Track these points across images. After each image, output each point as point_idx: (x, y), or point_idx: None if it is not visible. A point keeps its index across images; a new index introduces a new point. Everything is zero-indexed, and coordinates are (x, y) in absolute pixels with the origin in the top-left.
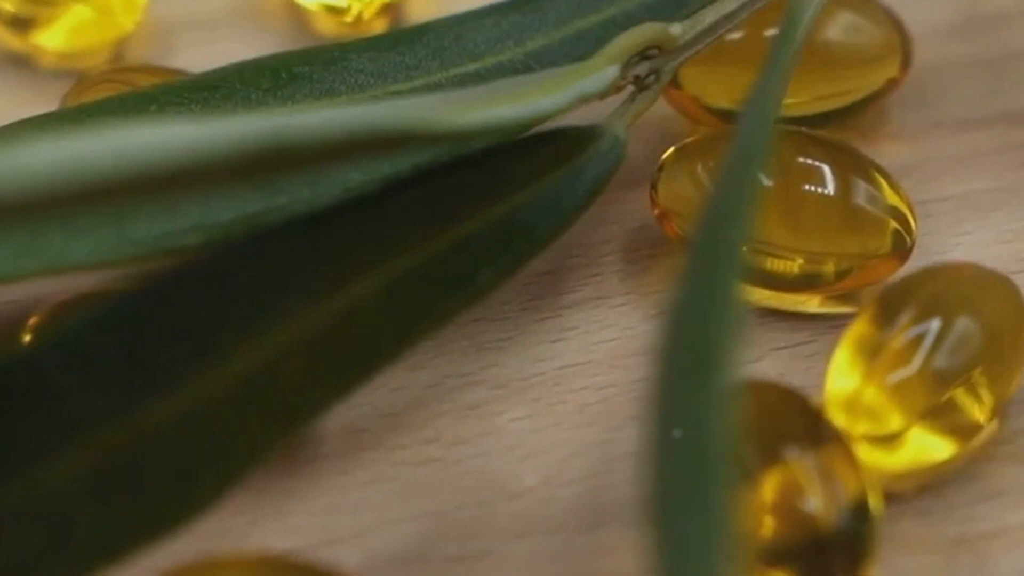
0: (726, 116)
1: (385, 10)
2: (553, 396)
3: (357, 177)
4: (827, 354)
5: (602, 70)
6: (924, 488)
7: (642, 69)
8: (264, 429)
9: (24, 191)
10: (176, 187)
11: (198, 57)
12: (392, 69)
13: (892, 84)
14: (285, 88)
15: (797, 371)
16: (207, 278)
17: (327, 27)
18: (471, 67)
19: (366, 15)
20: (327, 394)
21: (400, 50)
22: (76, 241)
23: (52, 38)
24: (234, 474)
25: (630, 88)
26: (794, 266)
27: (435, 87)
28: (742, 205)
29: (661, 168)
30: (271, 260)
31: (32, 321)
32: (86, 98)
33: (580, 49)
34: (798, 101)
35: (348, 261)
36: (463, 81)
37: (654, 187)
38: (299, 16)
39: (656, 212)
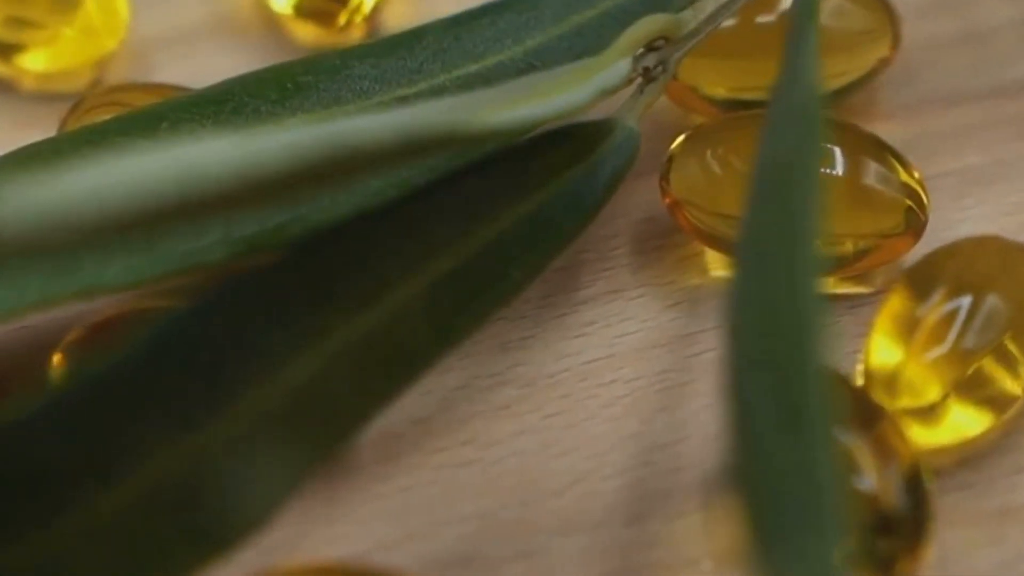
0: (725, 105)
1: (354, 21)
2: (582, 392)
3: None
4: (850, 334)
5: (615, 63)
6: (963, 462)
7: (650, 60)
8: (315, 440)
9: (86, 217)
10: (238, 202)
11: (180, 73)
12: (395, 74)
13: (883, 63)
14: (292, 98)
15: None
16: (254, 293)
17: (305, 36)
18: (473, 68)
19: (356, 18)
20: (375, 401)
21: (400, 54)
22: (108, 263)
23: (35, 60)
24: (288, 486)
25: (637, 80)
26: None
27: (440, 90)
28: (806, 193)
29: (671, 159)
30: (313, 271)
31: (69, 338)
32: (86, 120)
33: (579, 45)
34: None
35: (387, 267)
36: (467, 82)
37: (664, 178)
38: (276, 26)
39: (667, 202)
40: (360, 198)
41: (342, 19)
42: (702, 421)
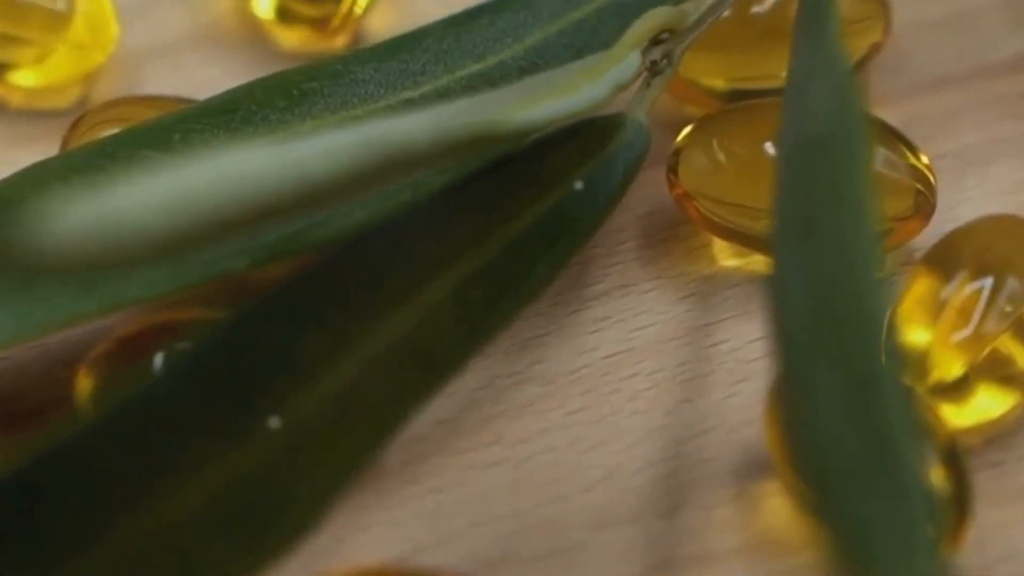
0: (725, 96)
1: (347, 25)
2: (604, 387)
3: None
4: None
5: (626, 58)
6: (991, 441)
7: (656, 54)
8: (356, 444)
9: (147, 232)
10: (292, 209)
11: (169, 85)
12: (398, 77)
13: (875, 49)
14: (300, 105)
15: None
16: (291, 303)
17: (289, 43)
18: (475, 68)
19: (349, 24)
20: (412, 402)
21: (402, 57)
22: (131, 277)
23: (26, 77)
24: (332, 492)
25: (643, 74)
26: None
27: (444, 91)
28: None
29: (678, 151)
30: (344, 277)
31: (95, 353)
32: (89, 136)
33: (579, 41)
34: None
35: (414, 271)
36: (470, 83)
37: (672, 170)
38: (260, 34)
39: (677, 194)
40: (379, 203)
41: (335, 22)
42: (726, 411)
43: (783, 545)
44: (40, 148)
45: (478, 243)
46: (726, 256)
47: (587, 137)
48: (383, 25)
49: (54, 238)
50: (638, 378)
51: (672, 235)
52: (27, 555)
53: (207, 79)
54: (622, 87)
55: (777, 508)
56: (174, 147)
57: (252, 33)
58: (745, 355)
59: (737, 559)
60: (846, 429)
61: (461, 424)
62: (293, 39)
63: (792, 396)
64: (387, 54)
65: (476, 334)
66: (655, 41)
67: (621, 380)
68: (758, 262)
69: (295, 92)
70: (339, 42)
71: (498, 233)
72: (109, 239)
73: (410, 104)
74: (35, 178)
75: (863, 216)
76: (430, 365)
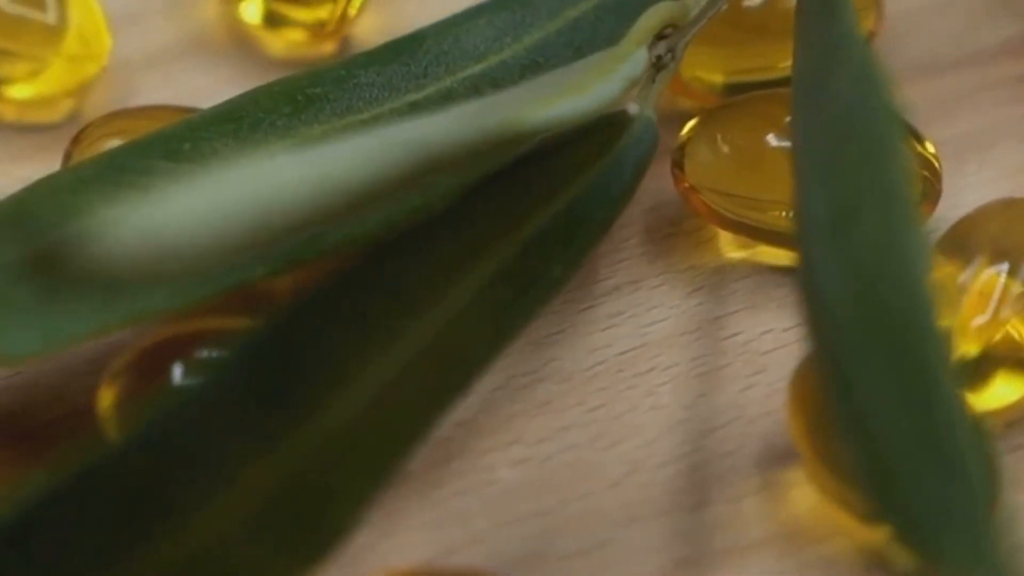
0: (724, 90)
1: (334, 33)
2: (620, 383)
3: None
4: None
5: (634, 54)
6: (1011, 424)
7: (660, 49)
8: (391, 446)
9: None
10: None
11: (161, 94)
12: (401, 80)
13: (870, 37)
14: (306, 111)
15: None
16: (322, 309)
17: (277, 50)
18: (477, 68)
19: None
20: (443, 404)
21: (404, 60)
22: (155, 289)
23: (21, 91)
24: (370, 494)
25: (648, 70)
26: None
27: (448, 93)
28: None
29: (683, 145)
30: (373, 282)
31: (118, 365)
32: (93, 149)
33: (578, 38)
34: (788, 64)
35: (439, 272)
36: (474, 84)
37: (677, 165)
38: (247, 42)
39: (683, 188)
40: (393, 208)
41: (329, 26)
42: (744, 403)
43: (812, 534)
44: (35, 162)
45: (497, 244)
46: (732, 248)
47: (596, 135)
48: (370, 30)
49: (116, 248)
50: (654, 373)
51: (677, 229)
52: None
53: (199, 88)
54: (634, 83)
55: (803, 498)
56: (184, 156)
57: (240, 40)
58: (759, 347)
59: (767, 550)
60: (904, 416)
61: (480, 425)
62: (281, 45)
63: (840, 388)
64: (389, 57)
65: (501, 334)
66: (659, 36)
67: (637, 376)
68: (764, 253)
69: (300, 98)
70: (328, 48)
71: (515, 233)
72: (164, 249)
73: (415, 107)
74: (47, 191)
75: (905, 202)
76: (459, 366)
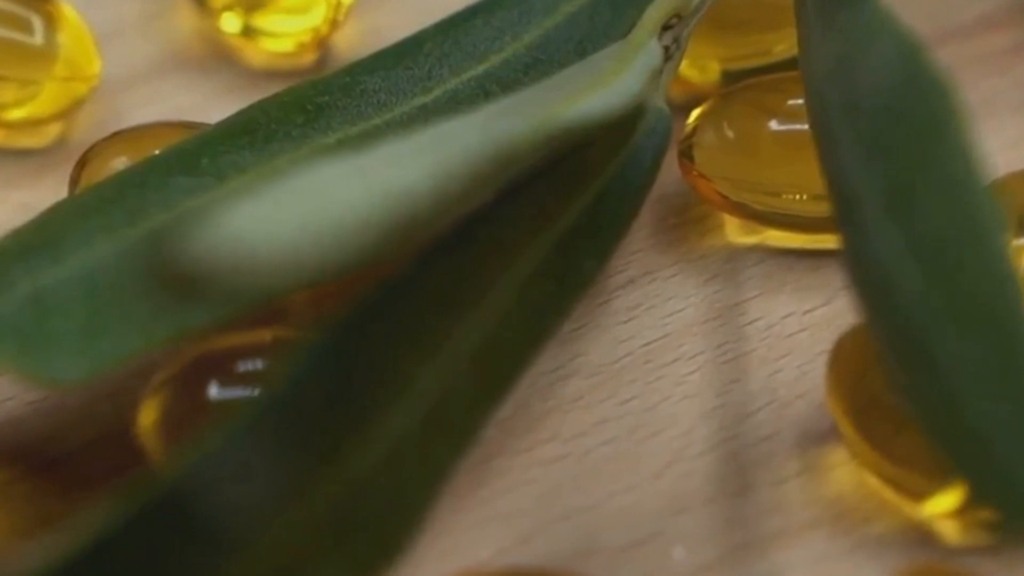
0: (721, 78)
1: (316, 47)
2: (649, 374)
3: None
4: None
5: (647, 44)
6: None
7: (667, 39)
8: (449, 449)
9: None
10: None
11: (149, 114)
12: (407, 84)
13: None
14: (318, 119)
15: None
16: (374, 318)
17: (258, 62)
18: (480, 69)
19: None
20: (493, 404)
21: (407, 64)
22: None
23: (15, 114)
24: (432, 498)
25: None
26: None
27: (456, 94)
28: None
29: (690, 135)
30: (419, 289)
31: (157, 383)
32: (103, 171)
33: (577, 34)
34: (785, 47)
35: (480, 275)
36: (480, 84)
37: (686, 155)
38: (228, 55)
39: (693, 177)
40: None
41: (324, 30)
42: (775, 387)
43: (859, 514)
44: (28, 188)
45: (531, 242)
46: (740, 235)
47: (612, 128)
48: (349, 39)
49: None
50: (681, 363)
51: (684, 219)
52: None
53: (186, 104)
54: (655, 73)
55: (846, 478)
56: (204, 171)
57: (220, 54)
58: (781, 331)
59: (817, 532)
60: (994, 384)
61: (515, 424)
62: (262, 57)
63: (918, 362)
64: (391, 62)
65: (542, 330)
66: (664, 27)
67: (664, 366)
68: (774, 238)
69: (309, 107)
70: (309, 58)
71: (548, 231)
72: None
73: (425, 109)
74: (73, 212)
75: (969, 169)
76: (506, 366)
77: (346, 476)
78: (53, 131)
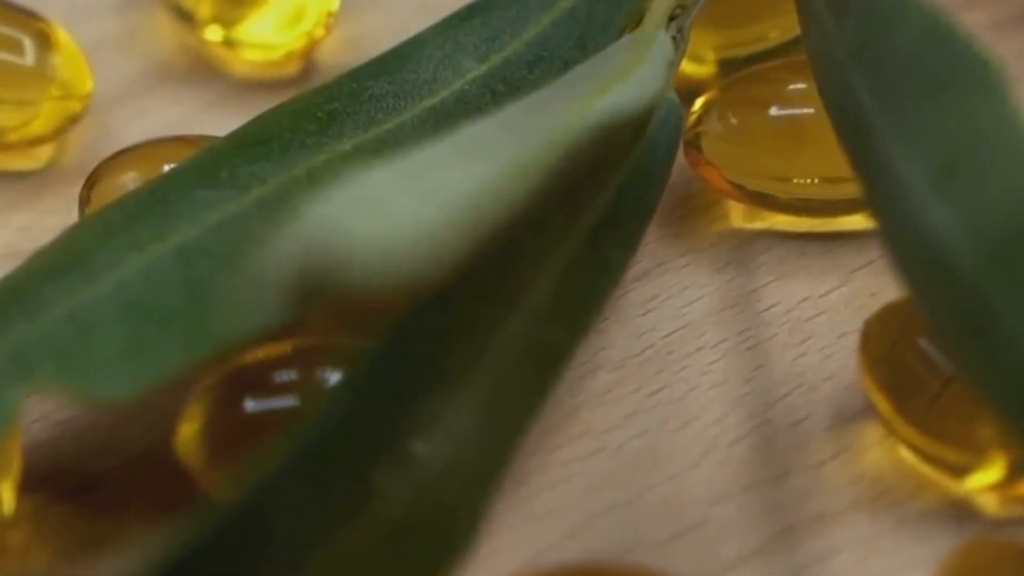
0: (718, 67)
1: (300, 56)
2: (673, 364)
3: None
4: None
5: (658, 36)
6: None
7: (673, 29)
8: (500, 451)
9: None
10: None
11: (140, 129)
12: (413, 86)
13: None
14: (331, 127)
15: (885, 285)
16: (422, 325)
17: (242, 72)
18: (483, 68)
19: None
20: (540, 403)
21: (411, 67)
22: (234, 319)
23: (19, 135)
24: (489, 500)
25: None
26: (848, 189)
27: (463, 95)
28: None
29: (696, 125)
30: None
31: (198, 390)
32: (113, 189)
33: (576, 28)
34: (779, 34)
35: (519, 270)
36: (485, 83)
37: (692, 144)
38: (211, 66)
39: (703, 166)
40: None
41: (319, 32)
42: (801, 371)
43: (900, 492)
44: (29, 210)
45: (564, 237)
46: (746, 221)
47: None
48: (330, 49)
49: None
50: (704, 352)
51: (689, 209)
52: None
53: (175, 118)
54: (671, 64)
55: (883, 457)
56: (225, 183)
57: (204, 67)
58: (800, 315)
59: (859, 512)
60: None
61: (547, 421)
62: (245, 68)
63: (981, 340)
64: (394, 66)
65: (579, 325)
66: (670, 17)
67: (688, 356)
68: (781, 223)
69: (320, 115)
70: (293, 68)
71: (577, 226)
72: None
73: (434, 112)
74: (98, 231)
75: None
76: (550, 363)
77: (414, 478)
78: (45, 153)
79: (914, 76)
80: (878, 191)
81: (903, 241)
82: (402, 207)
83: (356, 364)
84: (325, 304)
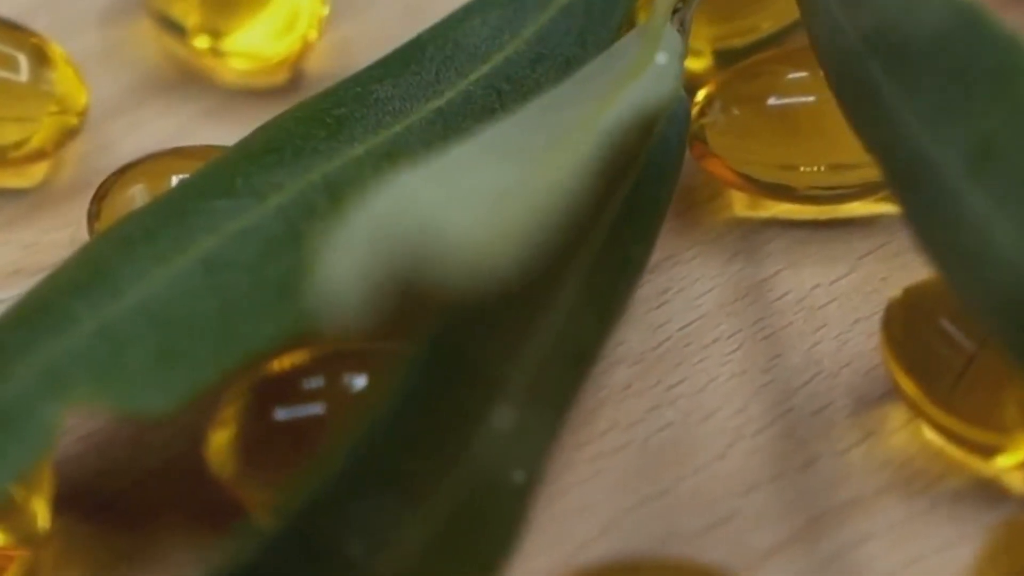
0: (716, 58)
1: (290, 63)
2: (692, 356)
3: None
4: (912, 248)
5: (665, 30)
6: None
7: (675, 23)
8: (542, 445)
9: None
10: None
11: (136, 141)
12: (418, 89)
13: None
14: (341, 132)
15: (894, 270)
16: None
17: (229, 81)
18: (485, 68)
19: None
20: (574, 397)
21: (414, 69)
22: (263, 327)
23: (20, 151)
24: (532, 497)
25: None
26: (855, 176)
27: (469, 95)
28: None
29: (699, 117)
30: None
31: (228, 407)
32: (123, 203)
33: (575, 25)
34: (772, 24)
35: (553, 265)
36: (489, 83)
37: (697, 137)
38: (199, 76)
39: (709, 158)
40: None
41: (312, 35)
42: (819, 358)
43: (929, 475)
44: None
45: (587, 236)
46: (749, 210)
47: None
48: (318, 56)
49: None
50: (721, 342)
51: (693, 200)
52: None
53: (169, 129)
54: (681, 57)
55: (908, 440)
56: (241, 192)
57: (192, 77)
58: (813, 302)
59: (890, 496)
60: None
61: (572, 417)
62: (234, 77)
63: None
64: (398, 68)
65: (607, 321)
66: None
67: (705, 347)
68: (785, 211)
69: (328, 120)
70: (282, 75)
71: (599, 223)
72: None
73: (441, 113)
74: (120, 243)
75: None
76: (582, 359)
77: (464, 475)
78: (41, 169)
79: (939, 61)
80: (906, 178)
81: (936, 226)
82: (480, 204)
83: (400, 371)
84: (408, 303)
